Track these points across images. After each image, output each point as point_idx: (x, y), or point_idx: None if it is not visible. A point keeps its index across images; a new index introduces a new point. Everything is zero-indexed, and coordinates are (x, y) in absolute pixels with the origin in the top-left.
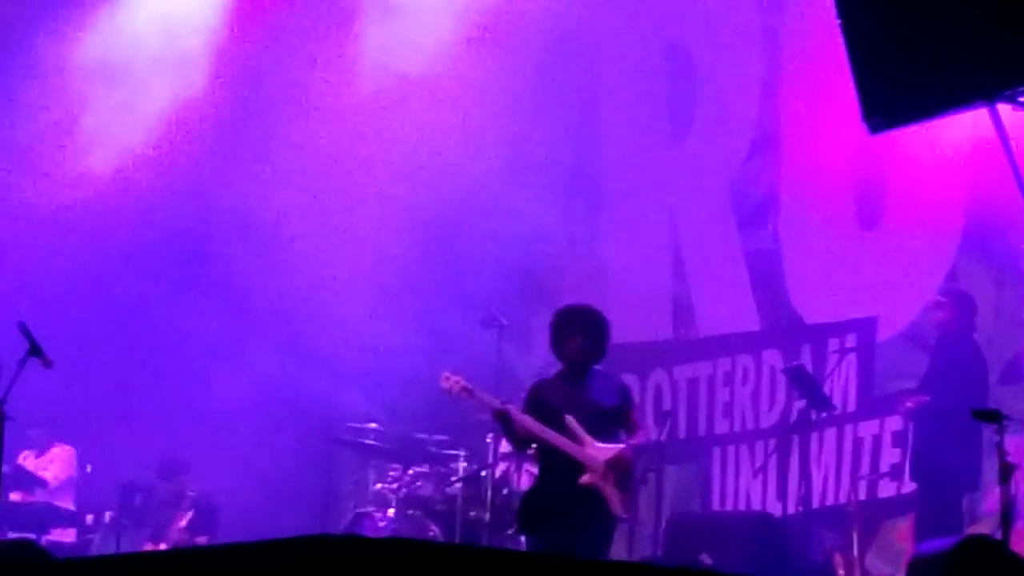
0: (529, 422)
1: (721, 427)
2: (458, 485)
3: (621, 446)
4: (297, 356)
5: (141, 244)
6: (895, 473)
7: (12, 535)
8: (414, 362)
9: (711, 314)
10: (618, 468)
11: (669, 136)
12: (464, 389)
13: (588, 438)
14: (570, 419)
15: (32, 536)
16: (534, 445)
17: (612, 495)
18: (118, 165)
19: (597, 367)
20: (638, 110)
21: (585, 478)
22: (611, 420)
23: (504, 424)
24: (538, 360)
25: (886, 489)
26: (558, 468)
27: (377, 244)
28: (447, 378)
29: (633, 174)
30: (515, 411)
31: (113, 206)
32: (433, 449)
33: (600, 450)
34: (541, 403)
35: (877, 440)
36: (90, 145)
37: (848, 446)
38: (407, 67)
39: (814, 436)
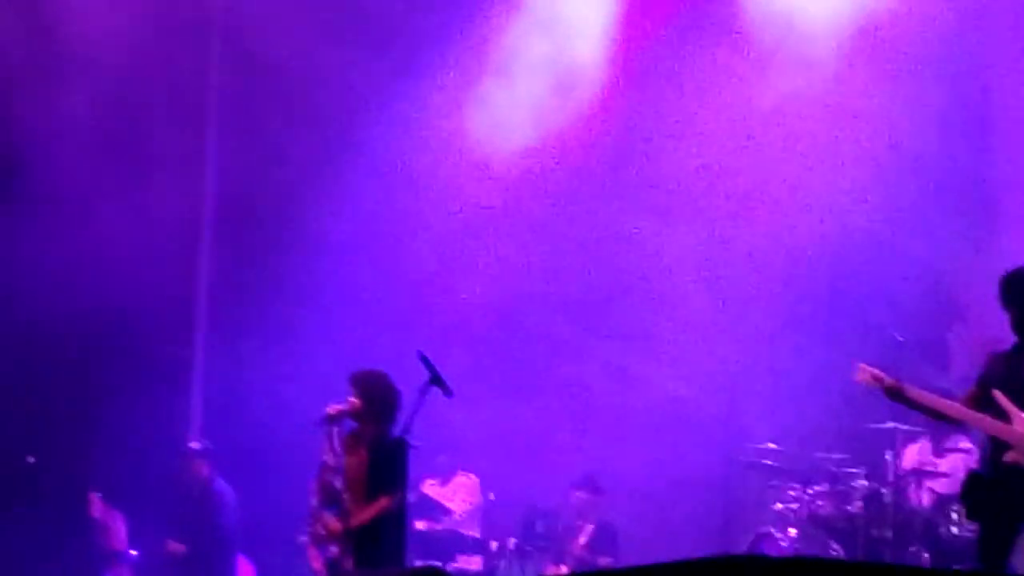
0: (929, 399)
1: None
2: (859, 503)
3: None
4: (696, 377)
5: (528, 263)
6: None
7: (419, 563)
8: (812, 381)
9: None
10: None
11: None
12: (875, 378)
13: (1020, 414)
14: (997, 393)
15: (438, 564)
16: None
17: None
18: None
19: None
20: None
21: (1009, 455)
22: None
23: (900, 401)
24: (956, 374)
25: None
26: (991, 448)
27: (777, 268)
28: (863, 370)
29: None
30: (911, 388)
31: (505, 215)
32: (832, 468)
33: None
34: (985, 376)
35: None
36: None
37: None
38: (798, 84)
39: None
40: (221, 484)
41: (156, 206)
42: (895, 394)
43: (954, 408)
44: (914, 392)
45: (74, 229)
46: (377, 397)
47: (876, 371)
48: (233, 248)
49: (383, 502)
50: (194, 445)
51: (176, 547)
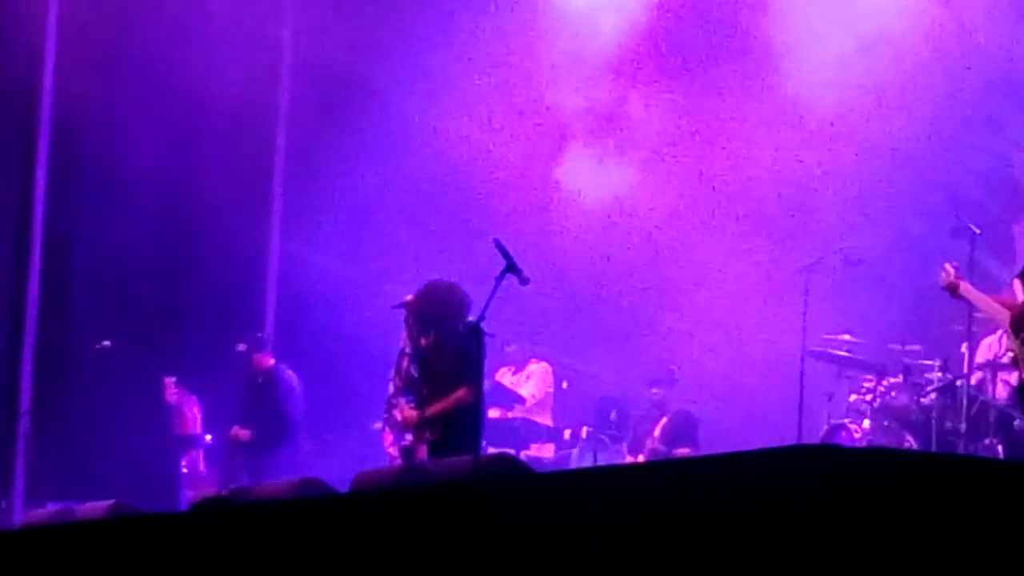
0: (975, 296)
1: None
2: (933, 395)
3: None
4: (769, 269)
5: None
6: None
7: (492, 450)
8: (886, 272)
9: None
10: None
11: None
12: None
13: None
14: (1016, 281)
15: (511, 451)
16: None
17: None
18: None
19: None
20: None
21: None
22: None
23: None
24: (1020, 266)
25: None
26: None
27: (848, 161)
28: (946, 270)
29: None
30: (965, 286)
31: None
32: (907, 360)
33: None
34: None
35: None
36: None
37: None
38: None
39: None
40: (286, 372)
41: (231, 94)
42: (953, 291)
43: (983, 302)
44: (965, 288)
45: (157, 119)
46: (437, 316)
47: (951, 268)
48: (308, 132)
49: (459, 393)
50: (258, 334)
51: (242, 433)
